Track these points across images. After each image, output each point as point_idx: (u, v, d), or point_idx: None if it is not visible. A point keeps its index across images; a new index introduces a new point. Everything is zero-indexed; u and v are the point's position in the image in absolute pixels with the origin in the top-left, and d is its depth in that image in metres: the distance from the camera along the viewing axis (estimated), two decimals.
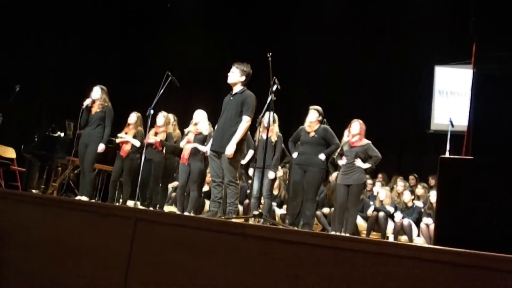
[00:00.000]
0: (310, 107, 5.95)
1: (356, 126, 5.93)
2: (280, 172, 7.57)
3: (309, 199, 5.63)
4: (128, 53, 11.26)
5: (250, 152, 6.37)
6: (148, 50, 11.39)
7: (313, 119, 5.81)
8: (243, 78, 4.79)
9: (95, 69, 10.15)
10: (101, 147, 6.12)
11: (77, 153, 6.22)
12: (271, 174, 6.21)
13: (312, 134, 5.77)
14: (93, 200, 6.40)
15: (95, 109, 6.22)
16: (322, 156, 5.66)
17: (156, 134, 6.65)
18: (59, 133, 7.68)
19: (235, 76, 4.79)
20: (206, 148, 6.38)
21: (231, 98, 4.81)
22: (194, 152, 6.35)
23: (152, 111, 6.04)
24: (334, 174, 6.32)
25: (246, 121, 4.65)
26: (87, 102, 6.17)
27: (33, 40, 9.71)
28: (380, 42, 10.12)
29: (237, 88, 4.81)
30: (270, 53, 4.77)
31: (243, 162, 6.35)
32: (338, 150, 5.95)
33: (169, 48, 11.27)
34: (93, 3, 10.47)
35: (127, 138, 6.70)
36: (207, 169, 6.67)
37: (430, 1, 9.71)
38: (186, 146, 6.42)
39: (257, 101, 4.80)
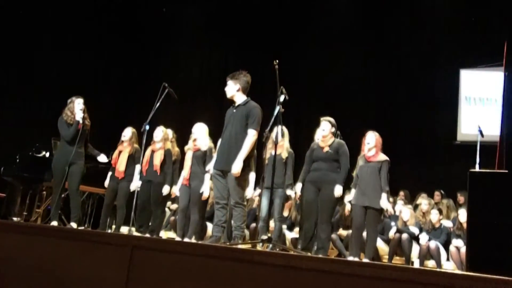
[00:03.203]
0: (322, 118, 5.91)
1: (372, 138, 5.86)
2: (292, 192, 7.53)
3: (324, 220, 5.57)
4: (125, 66, 11.41)
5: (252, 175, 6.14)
6: (147, 61, 11.52)
7: (326, 131, 5.78)
8: (238, 86, 4.82)
9: (84, 84, 10.20)
10: None
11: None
12: (282, 194, 6.15)
13: (326, 149, 5.71)
14: (82, 227, 6.37)
15: (82, 124, 6.15)
16: (338, 190, 5.55)
17: (152, 151, 6.63)
18: (44, 152, 7.66)
19: (230, 88, 4.86)
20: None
21: (234, 110, 4.83)
22: (195, 171, 6.34)
23: (147, 127, 5.92)
24: (352, 191, 6.08)
25: (252, 135, 4.65)
26: (80, 116, 6.10)
27: (21, 54, 9.86)
28: (400, 45, 10.13)
29: (239, 100, 4.84)
30: (277, 61, 4.76)
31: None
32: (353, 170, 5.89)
33: (169, 59, 11.37)
34: (88, 16, 10.70)
35: (136, 172, 6.61)
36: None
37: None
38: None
39: (264, 113, 4.80)
